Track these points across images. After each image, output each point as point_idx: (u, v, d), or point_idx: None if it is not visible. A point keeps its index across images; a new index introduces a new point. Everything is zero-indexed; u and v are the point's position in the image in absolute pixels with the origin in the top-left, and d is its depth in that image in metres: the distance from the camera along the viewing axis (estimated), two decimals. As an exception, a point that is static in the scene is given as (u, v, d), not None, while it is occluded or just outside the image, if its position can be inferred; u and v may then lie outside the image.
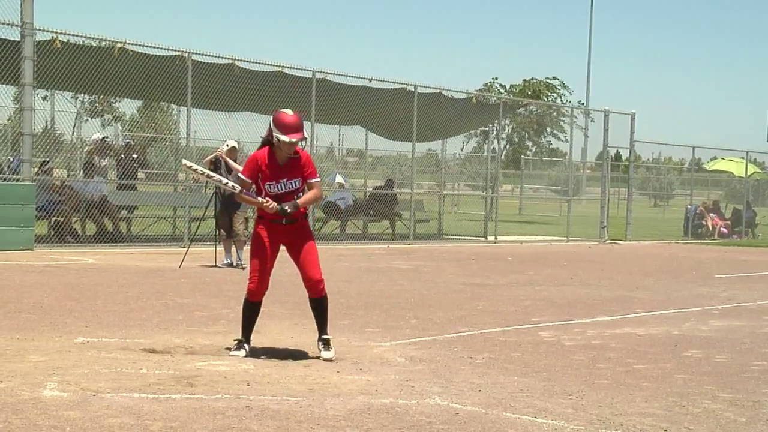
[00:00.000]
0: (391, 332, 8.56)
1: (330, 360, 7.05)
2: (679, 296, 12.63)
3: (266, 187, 7.08)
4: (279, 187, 7.08)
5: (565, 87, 37.94)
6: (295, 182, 7.12)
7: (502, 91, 36.68)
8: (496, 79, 38.63)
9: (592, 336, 8.88)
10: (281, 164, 7.11)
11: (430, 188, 30.53)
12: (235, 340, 7.26)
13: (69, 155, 21.27)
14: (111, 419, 5.05)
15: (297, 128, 6.99)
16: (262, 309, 7.29)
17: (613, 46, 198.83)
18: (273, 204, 7.01)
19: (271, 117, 7.10)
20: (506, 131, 36.96)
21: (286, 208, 7.02)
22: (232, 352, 7.12)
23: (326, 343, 7.20)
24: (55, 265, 13.32)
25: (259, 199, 7.05)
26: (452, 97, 22.81)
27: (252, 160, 7.17)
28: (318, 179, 7.28)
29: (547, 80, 37.62)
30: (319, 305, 7.24)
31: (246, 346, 7.16)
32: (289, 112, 7.07)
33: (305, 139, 7.19)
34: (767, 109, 38.00)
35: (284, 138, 6.95)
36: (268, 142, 7.15)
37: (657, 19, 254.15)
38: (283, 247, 7.26)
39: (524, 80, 37.81)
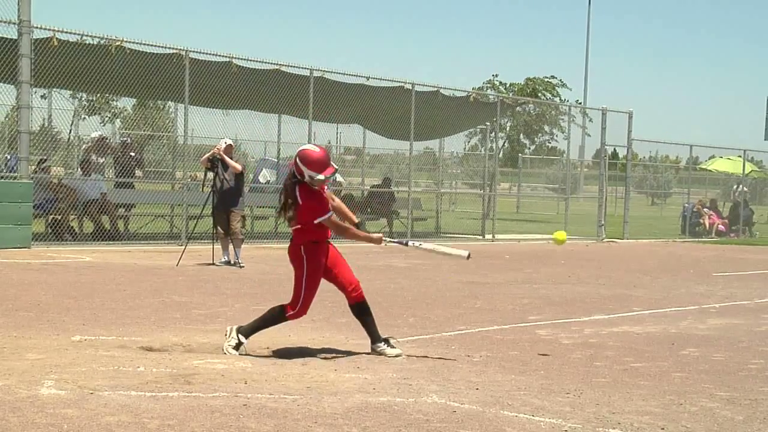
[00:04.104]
0: (388, 330, 8.53)
1: (398, 356, 7.20)
2: (676, 294, 12.64)
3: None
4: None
5: (564, 85, 37.89)
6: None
7: (502, 89, 36.58)
8: (497, 75, 38.58)
9: (590, 334, 8.88)
10: None
11: (427, 186, 30.53)
12: (232, 335, 7.21)
13: (66, 153, 21.25)
14: (108, 417, 5.05)
15: (328, 163, 7.01)
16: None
17: (611, 45, 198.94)
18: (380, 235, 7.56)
19: (297, 156, 7.01)
20: (506, 129, 36.85)
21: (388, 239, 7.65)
22: (230, 350, 7.09)
23: (388, 342, 7.34)
24: (53, 263, 13.31)
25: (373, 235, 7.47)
26: (450, 96, 22.80)
27: (321, 194, 7.07)
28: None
29: (546, 79, 37.57)
30: (364, 307, 7.40)
31: (244, 346, 7.15)
32: (315, 147, 7.11)
33: (337, 171, 7.19)
34: (765, 108, 37.92)
35: (320, 177, 6.95)
36: (297, 180, 7.05)
37: (655, 17, 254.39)
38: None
39: (527, 78, 37.74)
